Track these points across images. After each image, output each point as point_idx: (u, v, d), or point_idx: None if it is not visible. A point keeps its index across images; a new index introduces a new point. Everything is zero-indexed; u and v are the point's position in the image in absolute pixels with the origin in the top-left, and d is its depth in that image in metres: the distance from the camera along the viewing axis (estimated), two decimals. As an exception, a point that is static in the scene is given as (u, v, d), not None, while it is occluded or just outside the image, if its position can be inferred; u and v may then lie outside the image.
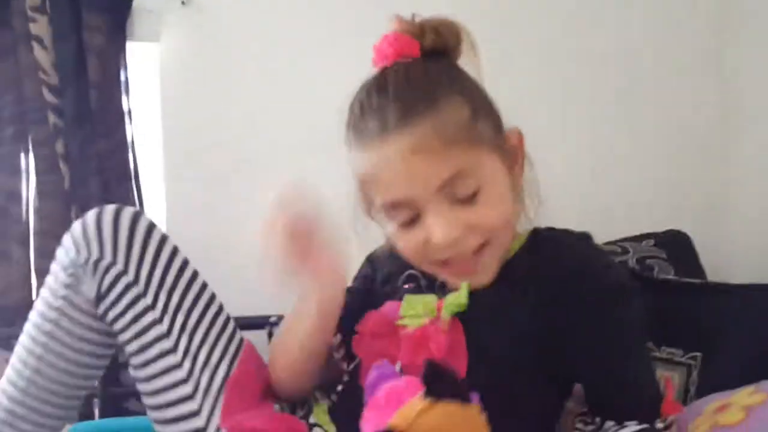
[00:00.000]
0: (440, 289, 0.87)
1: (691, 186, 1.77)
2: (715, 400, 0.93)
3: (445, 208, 0.79)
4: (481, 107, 0.83)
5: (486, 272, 0.85)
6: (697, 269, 1.47)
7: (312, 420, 0.91)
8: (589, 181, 1.67)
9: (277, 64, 1.61)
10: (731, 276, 1.50)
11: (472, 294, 0.84)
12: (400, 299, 0.88)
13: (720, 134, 1.77)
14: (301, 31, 1.62)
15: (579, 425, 0.85)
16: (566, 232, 0.90)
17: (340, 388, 0.92)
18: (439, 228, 0.79)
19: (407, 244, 0.83)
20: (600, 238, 0.97)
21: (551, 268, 0.84)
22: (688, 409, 0.94)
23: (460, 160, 0.78)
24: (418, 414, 0.64)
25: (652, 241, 1.49)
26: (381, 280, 0.97)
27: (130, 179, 1.50)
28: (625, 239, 1.49)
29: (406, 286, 0.91)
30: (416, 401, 0.65)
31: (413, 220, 0.81)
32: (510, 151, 0.86)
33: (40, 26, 1.39)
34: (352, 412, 0.80)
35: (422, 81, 0.81)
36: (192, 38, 1.57)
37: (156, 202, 1.60)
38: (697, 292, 1.25)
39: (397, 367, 0.81)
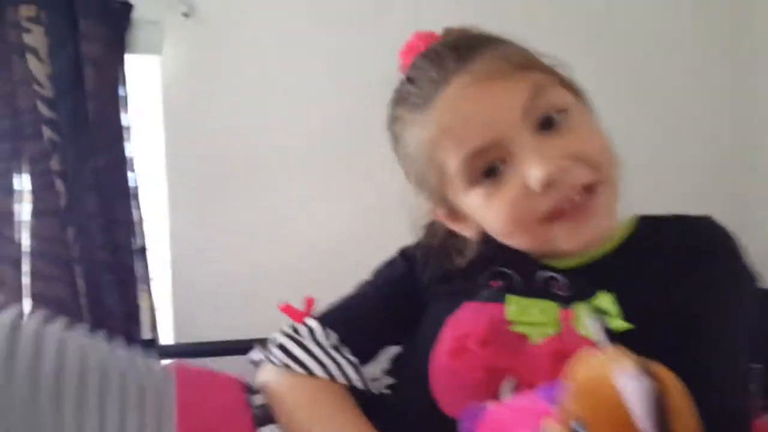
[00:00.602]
0: (544, 292, 0.72)
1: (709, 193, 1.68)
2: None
3: (536, 141, 0.68)
4: (537, 62, 0.75)
5: (606, 215, 0.71)
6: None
7: None
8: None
9: (281, 76, 1.55)
10: None
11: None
12: (485, 300, 0.72)
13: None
14: (305, 42, 1.56)
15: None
16: (685, 216, 0.76)
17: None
18: (537, 162, 0.66)
19: (503, 205, 0.70)
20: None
21: (689, 257, 0.71)
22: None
23: (537, 78, 0.69)
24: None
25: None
26: (431, 280, 0.82)
27: (130, 197, 1.42)
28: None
29: (495, 284, 0.74)
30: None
31: (502, 175, 0.70)
32: (575, 89, 0.76)
33: (35, 37, 1.33)
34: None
35: (464, 34, 0.75)
36: (195, 51, 1.51)
37: (158, 221, 1.52)
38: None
39: (509, 386, 0.65)
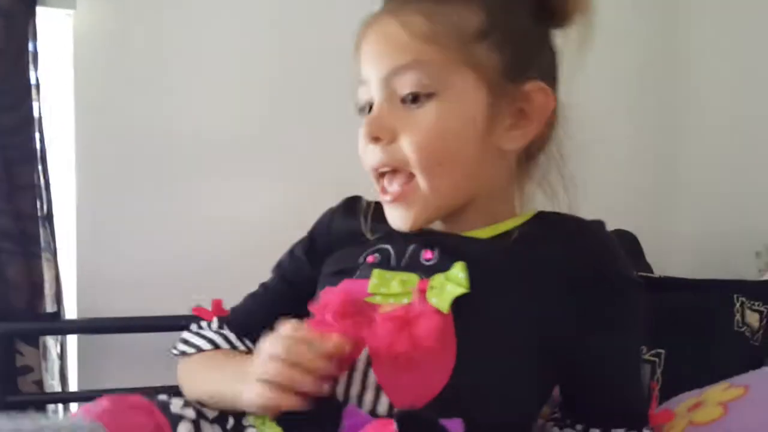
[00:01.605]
0: (413, 265, 0.75)
1: (640, 188, 1.77)
2: (687, 399, 0.87)
3: (386, 103, 0.74)
4: (506, 37, 0.74)
5: (411, 212, 0.75)
6: (645, 267, 1.44)
7: (246, 422, 0.76)
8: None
9: (203, 39, 1.48)
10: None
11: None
12: (363, 278, 0.74)
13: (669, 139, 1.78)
14: (239, 11, 1.50)
15: (554, 429, 0.76)
16: (576, 217, 0.77)
17: None
18: (369, 121, 0.74)
19: (360, 142, 0.77)
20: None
21: (565, 248, 0.73)
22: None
23: (428, 55, 0.71)
24: None
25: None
26: (335, 240, 0.87)
27: (37, 160, 1.33)
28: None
29: (371, 259, 0.78)
30: None
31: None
32: (517, 100, 0.75)
33: (-64, -20, 1.22)
34: (299, 414, 0.67)
35: None
36: (111, 5, 1.42)
37: (64, 185, 1.43)
38: (652, 287, 1.20)
39: (364, 353, 0.69)
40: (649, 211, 1.75)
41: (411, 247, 0.77)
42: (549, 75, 0.79)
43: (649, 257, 1.53)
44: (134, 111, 1.45)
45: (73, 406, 1.40)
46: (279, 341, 0.66)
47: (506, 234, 0.76)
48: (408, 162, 0.73)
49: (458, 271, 0.70)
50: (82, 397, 1.38)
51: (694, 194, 1.75)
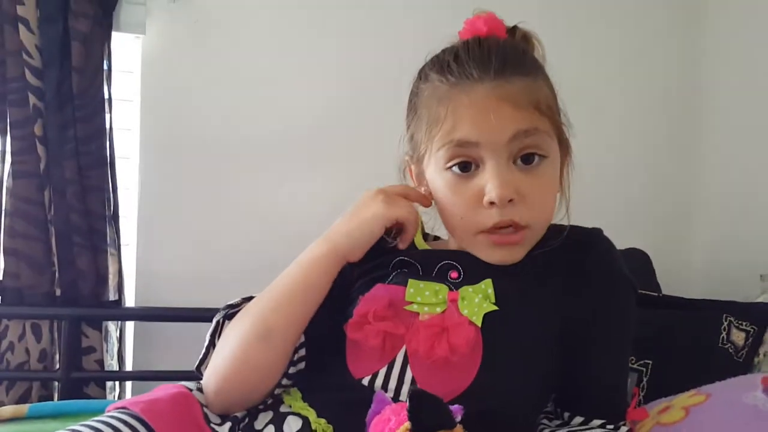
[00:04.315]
0: (440, 277, 0.86)
1: (656, 209, 1.86)
2: (660, 403, 0.98)
3: (505, 166, 0.79)
4: (556, 99, 0.86)
5: (520, 252, 0.84)
6: (654, 285, 1.53)
7: (284, 409, 0.85)
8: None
9: (261, 62, 1.65)
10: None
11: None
12: (394, 284, 0.85)
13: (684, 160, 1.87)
14: (287, 32, 1.66)
15: (544, 421, 0.88)
16: (578, 227, 0.89)
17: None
18: (496, 181, 0.78)
19: (461, 195, 0.82)
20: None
21: (573, 260, 0.85)
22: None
23: (539, 122, 0.80)
24: None
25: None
26: (355, 266, 0.91)
27: (106, 165, 1.51)
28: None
29: (401, 270, 0.87)
30: None
31: (471, 176, 0.81)
32: (566, 146, 0.88)
33: (28, 9, 1.40)
34: (335, 402, 0.81)
35: (520, 52, 0.84)
36: (178, 33, 1.60)
37: (129, 190, 1.61)
38: (651, 304, 1.31)
39: (402, 352, 0.80)
40: (664, 234, 1.83)
41: (440, 264, 0.87)
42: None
43: (661, 277, 1.61)
44: (193, 122, 1.62)
45: (128, 384, 1.58)
46: None
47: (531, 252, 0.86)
48: (530, 221, 0.81)
49: (487, 287, 0.82)
50: (137, 376, 1.56)
51: (707, 222, 1.83)
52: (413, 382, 0.79)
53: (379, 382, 0.80)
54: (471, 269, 0.85)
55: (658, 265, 1.63)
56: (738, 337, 1.19)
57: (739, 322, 1.21)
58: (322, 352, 0.88)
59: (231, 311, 0.89)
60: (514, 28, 0.89)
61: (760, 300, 1.30)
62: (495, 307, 0.80)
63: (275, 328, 0.83)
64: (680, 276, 1.73)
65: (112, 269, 1.52)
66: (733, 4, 1.81)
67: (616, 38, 1.84)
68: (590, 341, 0.84)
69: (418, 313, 0.82)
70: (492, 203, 0.79)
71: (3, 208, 1.44)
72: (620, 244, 1.58)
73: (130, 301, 1.60)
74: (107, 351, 1.55)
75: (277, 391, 0.87)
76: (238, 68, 1.65)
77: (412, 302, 0.83)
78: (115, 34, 1.53)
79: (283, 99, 1.66)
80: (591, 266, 0.85)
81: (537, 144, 0.80)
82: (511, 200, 0.79)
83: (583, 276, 0.85)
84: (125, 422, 0.77)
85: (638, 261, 1.57)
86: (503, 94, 0.79)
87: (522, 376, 0.81)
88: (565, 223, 0.88)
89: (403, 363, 0.80)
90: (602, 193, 1.78)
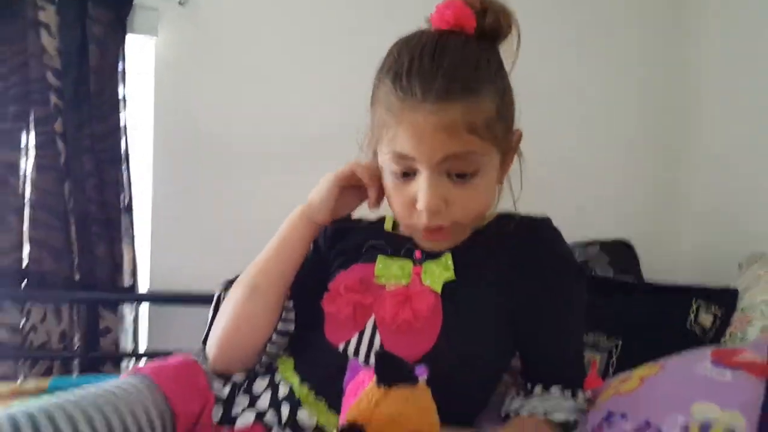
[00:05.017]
0: (407, 256, 0.96)
1: (644, 201, 1.94)
2: (622, 375, 1.07)
3: (436, 179, 0.86)
4: (505, 107, 0.90)
5: (449, 242, 0.94)
6: (636, 275, 1.61)
7: (278, 379, 0.95)
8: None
9: (268, 64, 1.76)
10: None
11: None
12: (366, 262, 0.97)
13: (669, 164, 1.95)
14: (294, 34, 1.76)
15: (512, 395, 0.97)
16: (529, 215, 0.99)
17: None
18: (425, 195, 0.86)
19: (398, 197, 0.90)
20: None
21: (522, 243, 0.94)
22: (605, 384, 1.08)
23: (471, 146, 0.85)
24: (375, 404, 0.72)
25: (597, 247, 1.63)
26: (331, 247, 1.04)
27: (121, 161, 1.62)
28: (575, 244, 1.64)
29: (373, 246, 0.99)
30: (371, 391, 0.73)
31: (409, 183, 0.88)
32: (508, 148, 0.94)
33: (48, 15, 1.52)
34: (318, 369, 0.90)
35: (472, 65, 0.86)
36: (187, 35, 1.71)
37: (144, 184, 1.72)
38: (626, 289, 1.39)
39: (371, 322, 0.91)
40: (649, 226, 1.91)
41: (406, 246, 0.98)
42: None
43: (647, 265, 1.69)
44: (205, 120, 1.73)
45: (142, 362, 1.69)
46: None
47: (479, 232, 0.98)
48: (458, 221, 0.89)
49: (447, 259, 0.93)
50: (150, 355, 1.67)
51: (693, 213, 1.91)
52: (381, 347, 0.89)
53: (351, 348, 0.91)
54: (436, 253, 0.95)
55: (646, 255, 1.72)
56: (705, 319, 1.27)
57: (709, 305, 1.29)
58: (307, 317, 0.98)
59: (228, 286, 1.01)
60: (485, 11, 0.90)
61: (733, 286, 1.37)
62: (453, 277, 0.91)
63: (260, 284, 0.97)
64: (665, 265, 1.80)
65: (127, 257, 1.63)
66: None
67: (599, 26, 1.92)
68: (539, 317, 0.93)
69: (385, 286, 0.93)
70: (421, 211, 0.87)
71: (27, 198, 1.56)
72: (608, 234, 1.70)
73: (143, 286, 1.71)
74: (122, 332, 1.66)
75: (274, 356, 0.98)
76: (246, 69, 1.75)
77: (379, 276, 0.95)
78: (128, 37, 1.63)
79: (291, 100, 1.76)
80: (541, 251, 0.94)
81: (468, 164, 0.86)
82: (438, 212, 0.87)
83: (533, 259, 0.93)
84: (132, 384, 0.86)
85: (622, 251, 1.65)
86: (439, 123, 0.83)
87: (478, 341, 0.91)
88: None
89: (372, 330, 0.91)
90: (591, 186, 1.86)
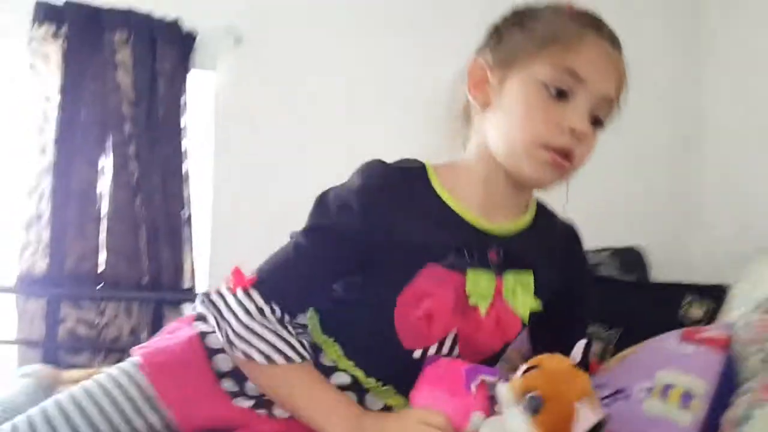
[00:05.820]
0: (482, 262, 0.91)
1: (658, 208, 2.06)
2: (612, 359, 1.21)
3: (589, 112, 0.88)
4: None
5: (558, 182, 0.93)
6: (645, 276, 1.75)
7: (328, 362, 0.94)
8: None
9: (316, 97, 1.95)
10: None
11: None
12: (448, 267, 0.90)
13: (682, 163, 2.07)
14: (347, 70, 1.96)
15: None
16: (561, 217, 1.07)
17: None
18: (584, 118, 0.87)
19: (543, 111, 0.87)
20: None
21: (569, 256, 1.04)
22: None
23: (619, 102, 0.92)
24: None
25: (608, 252, 1.77)
26: (395, 231, 0.91)
27: (182, 179, 1.87)
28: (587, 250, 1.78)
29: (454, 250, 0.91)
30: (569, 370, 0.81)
31: (564, 103, 0.87)
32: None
33: (124, 55, 1.78)
34: (389, 368, 0.92)
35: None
36: (243, 69, 1.93)
37: (204, 203, 1.95)
38: (629, 288, 1.54)
39: (452, 334, 0.91)
40: (660, 233, 2.03)
41: (478, 248, 0.91)
42: None
43: (657, 271, 1.82)
44: (260, 145, 1.93)
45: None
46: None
47: (534, 224, 0.99)
48: (578, 163, 0.90)
49: (528, 280, 0.94)
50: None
51: (703, 221, 2.02)
52: (458, 357, 0.93)
53: (428, 353, 0.92)
54: (506, 254, 0.93)
55: (656, 259, 1.84)
56: (696, 313, 1.40)
57: (701, 300, 1.42)
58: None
59: (203, 299, 0.98)
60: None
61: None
62: (539, 308, 0.94)
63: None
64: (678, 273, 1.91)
65: (187, 262, 1.86)
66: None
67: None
68: (573, 302, 1.06)
69: (478, 308, 0.90)
70: (572, 130, 0.86)
71: (104, 212, 1.80)
72: (621, 241, 1.81)
73: (202, 288, 1.91)
74: (183, 329, 1.87)
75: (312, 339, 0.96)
76: (298, 95, 1.95)
77: (471, 294, 0.90)
78: (191, 72, 1.88)
79: (348, 136, 1.90)
80: (577, 253, 1.07)
81: (610, 115, 0.91)
82: (581, 138, 0.87)
83: (572, 259, 1.04)
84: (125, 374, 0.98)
85: (632, 257, 1.79)
86: (620, 62, 0.89)
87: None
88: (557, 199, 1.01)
89: (452, 343, 0.92)
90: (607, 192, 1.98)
